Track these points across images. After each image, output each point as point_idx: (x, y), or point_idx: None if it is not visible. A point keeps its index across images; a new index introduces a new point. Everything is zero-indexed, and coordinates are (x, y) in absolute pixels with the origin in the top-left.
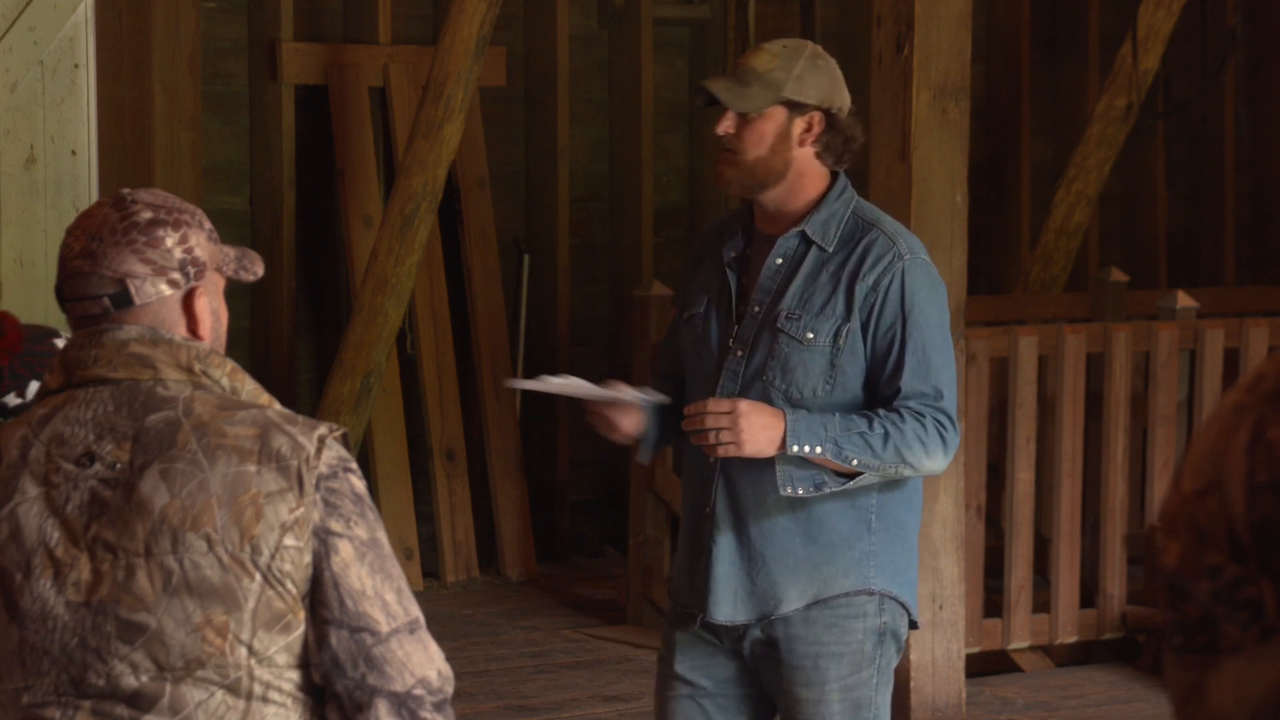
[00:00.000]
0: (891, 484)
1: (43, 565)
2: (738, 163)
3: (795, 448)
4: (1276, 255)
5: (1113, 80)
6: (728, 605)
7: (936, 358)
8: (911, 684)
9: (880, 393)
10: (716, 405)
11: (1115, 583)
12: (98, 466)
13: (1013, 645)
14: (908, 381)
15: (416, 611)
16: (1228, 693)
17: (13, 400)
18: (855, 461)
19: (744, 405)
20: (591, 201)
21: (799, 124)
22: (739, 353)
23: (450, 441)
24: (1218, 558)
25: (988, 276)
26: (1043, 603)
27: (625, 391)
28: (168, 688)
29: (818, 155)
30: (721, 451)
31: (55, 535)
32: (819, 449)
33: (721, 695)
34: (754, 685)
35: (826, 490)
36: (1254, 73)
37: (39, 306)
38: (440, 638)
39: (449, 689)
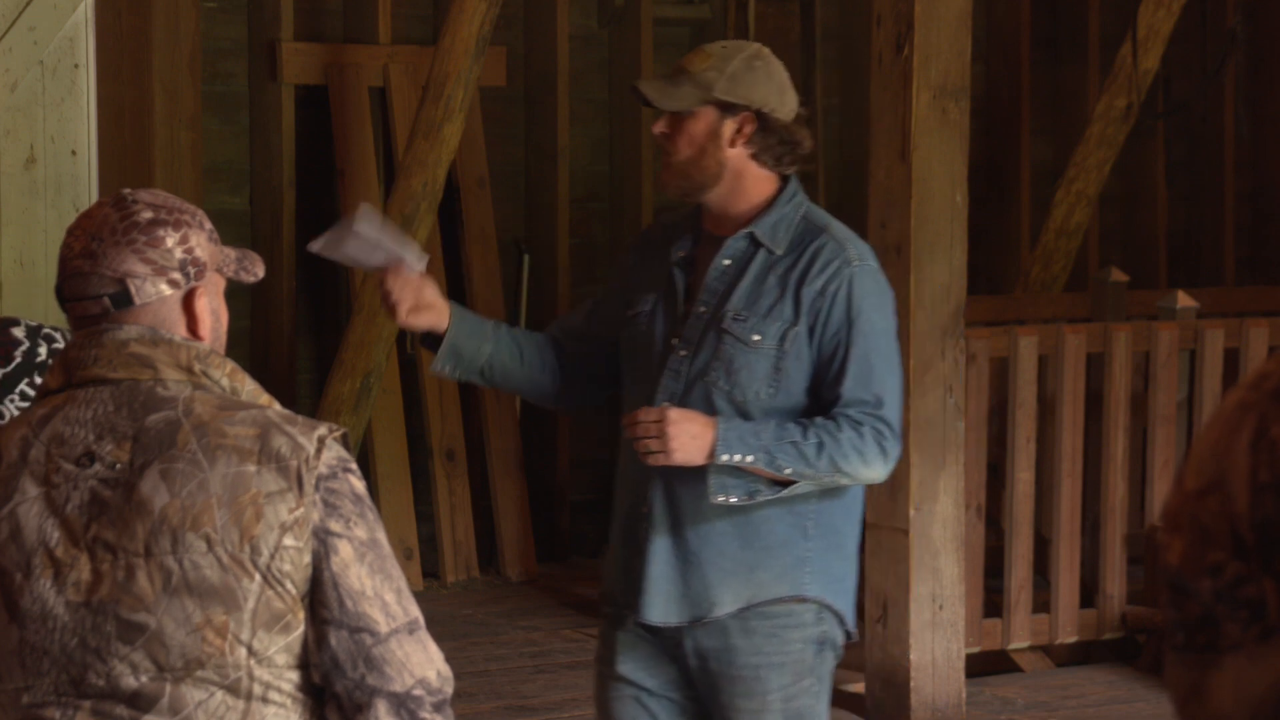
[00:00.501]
0: (830, 492)
1: (43, 565)
2: (672, 165)
3: (725, 456)
4: (1276, 255)
5: (1113, 80)
6: (660, 606)
7: (880, 365)
8: (911, 684)
9: (822, 398)
10: (646, 414)
11: (1115, 583)
12: (98, 466)
13: (1013, 645)
14: (849, 388)
15: (416, 612)
16: (1228, 692)
17: None
18: (789, 470)
19: (673, 414)
20: (591, 201)
21: (729, 125)
22: (683, 352)
23: (450, 441)
24: (1220, 556)
25: (988, 276)
26: (1043, 603)
27: (402, 252)
28: (167, 688)
29: (754, 157)
30: (651, 460)
31: (55, 535)
32: (750, 458)
33: (666, 697)
34: (695, 692)
35: (760, 498)
36: (1254, 73)
37: (39, 306)
38: (440, 638)
39: (448, 689)
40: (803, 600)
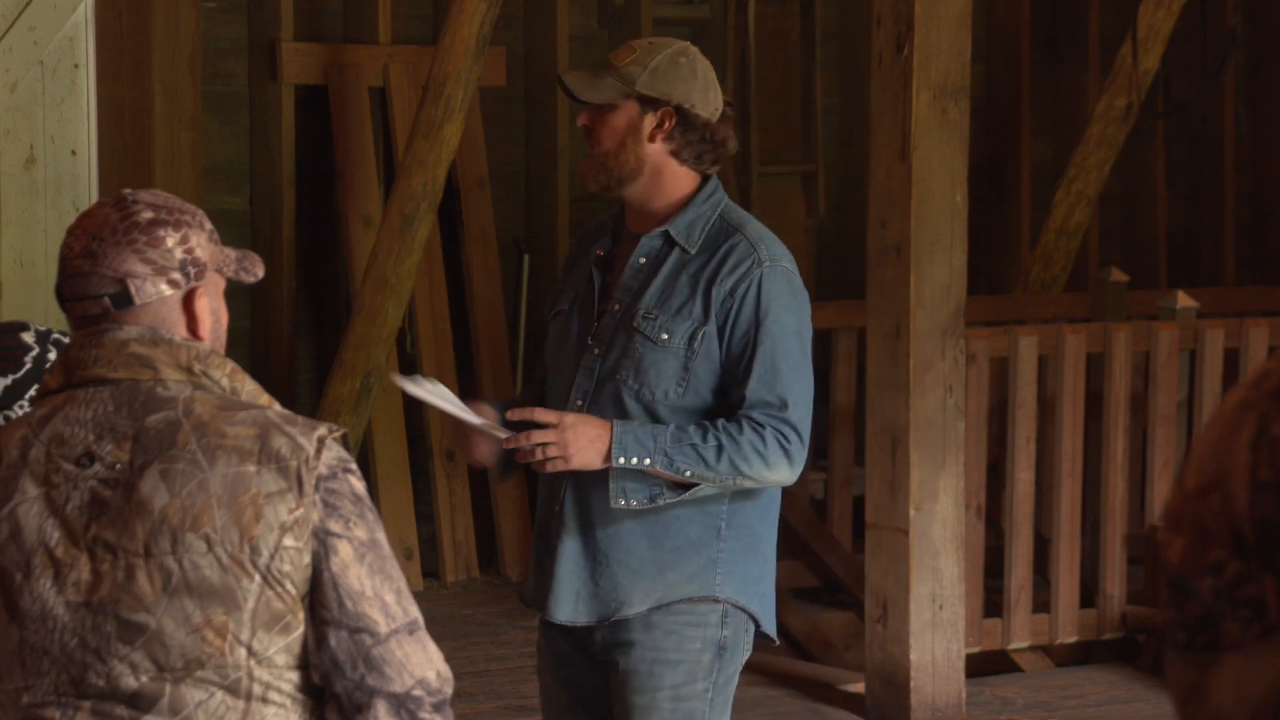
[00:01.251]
0: (744, 493)
1: (43, 565)
2: (593, 157)
3: (621, 459)
4: (1276, 255)
5: (1113, 80)
6: (569, 605)
7: (786, 367)
8: (911, 684)
9: (729, 399)
10: (544, 416)
11: (1115, 583)
12: (98, 467)
13: (1013, 645)
14: (753, 389)
15: (416, 612)
16: (1228, 691)
17: None
18: (688, 473)
19: (570, 418)
20: (591, 201)
21: (650, 119)
22: (596, 351)
23: (450, 441)
24: (1220, 555)
25: (988, 276)
26: (1043, 603)
27: (478, 421)
28: (167, 688)
29: (674, 154)
30: (550, 467)
31: (55, 535)
32: (647, 460)
33: (600, 704)
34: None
35: (661, 502)
36: (1254, 73)
37: (39, 306)
38: (440, 638)
39: (448, 690)
40: (715, 601)
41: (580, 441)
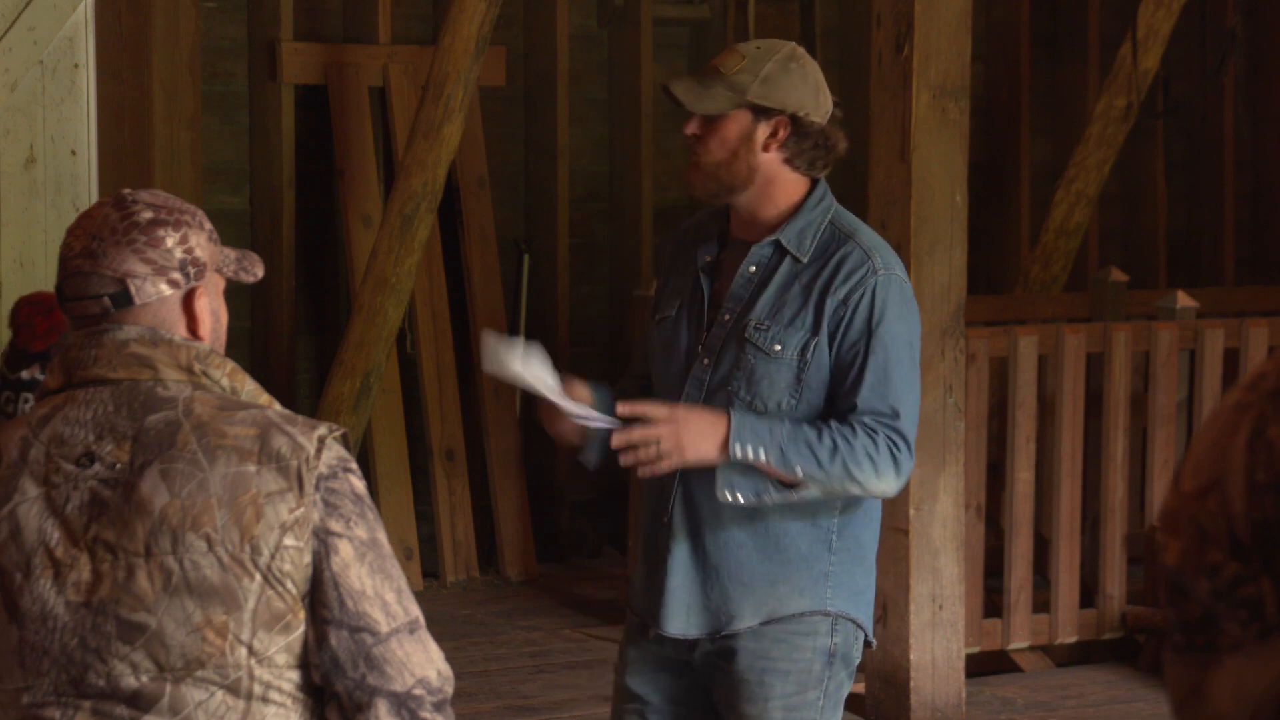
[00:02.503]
0: (852, 504)
1: (43, 565)
2: (701, 166)
3: (738, 448)
4: (1276, 255)
5: (1112, 80)
6: (680, 619)
7: (898, 377)
8: (911, 684)
9: (837, 406)
10: (656, 411)
11: (1115, 583)
12: (98, 467)
13: (1013, 645)
14: (864, 398)
15: (416, 611)
16: (1227, 692)
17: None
18: (800, 470)
19: (682, 411)
20: (591, 201)
21: (763, 129)
22: (706, 361)
23: (450, 441)
24: (1218, 556)
25: (988, 276)
26: (1043, 603)
27: (575, 408)
28: (168, 688)
29: (787, 161)
30: (663, 465)
31: (55, 535)
32: (763, 452)
33: (668, 713)
34: (704, 704)
35: (767, 499)
36: (1254, 73)
37: None
38: (440, 638)
39: (449, 689)
40: (826, 614)
41: (694, 434)
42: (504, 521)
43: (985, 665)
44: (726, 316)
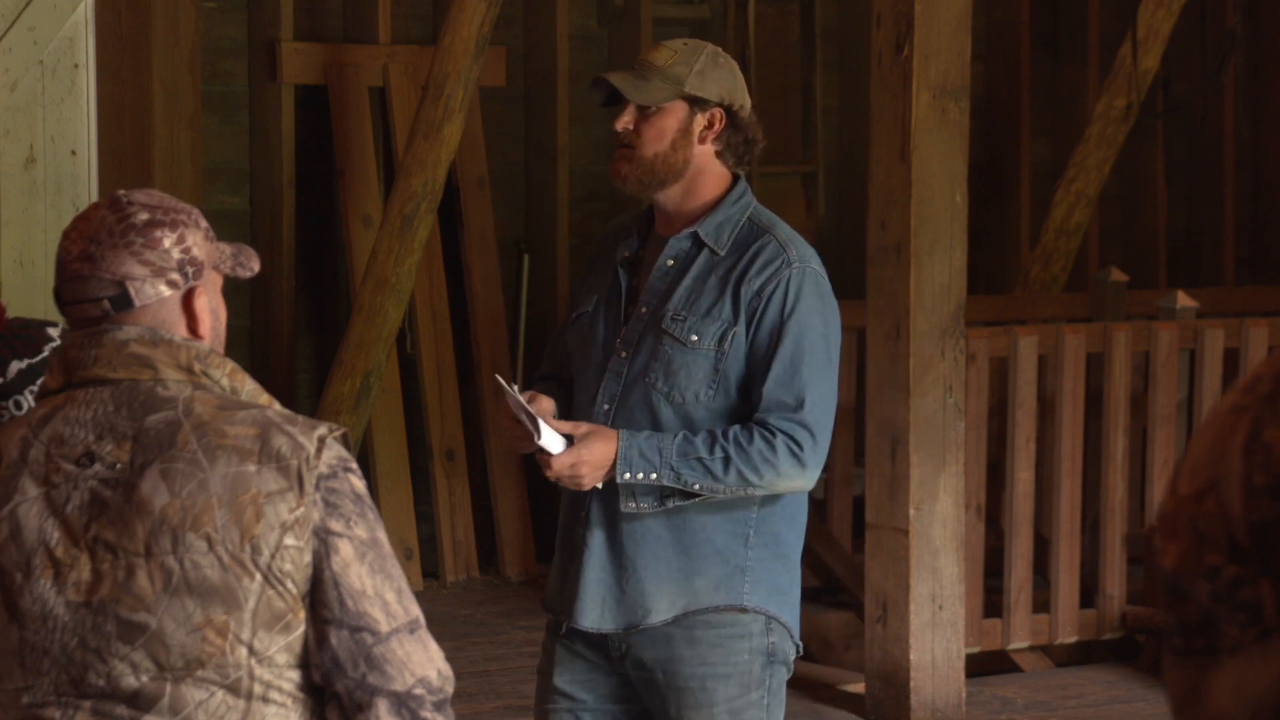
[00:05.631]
0: (771, 499)
1: (43, 565)
2: (636, 159)
3: (626, 474)
4: (1276, 255)
5: (1112, 80)
6: (594, 612)
7: (807, 368)
8: (911, 684)
9: (750, 397)
10: (558, 463)
11: (1115, 583)
12: (98, 466)
13: (1013, 645)
14: (770, 389)
15: (416, 611)
16: (1226, 693)
17: None
18: (696, 486)
19: (579, 437)
20: (591, 201)
21: (700, 120)
22: (624, 354)
23: (450, 441)
24: (1216, 559)
25: (988, 276)
26: (1043, 603)
27: (545, 442)
28: (168, 688)
29: (718, 154)
30: (569, 485)
31: (55, 535)
32: (654, 475)
33: (601, 710)
34: (634, 701)
35: (670, 504)
36: (1254, 73)
37: (39, 307)
38: (440, 638)
39: (449, 689)
40: (744, 610)
41: (587, 466)
42: (504, 521)
43: (985, 665)
44: (644, 309)
